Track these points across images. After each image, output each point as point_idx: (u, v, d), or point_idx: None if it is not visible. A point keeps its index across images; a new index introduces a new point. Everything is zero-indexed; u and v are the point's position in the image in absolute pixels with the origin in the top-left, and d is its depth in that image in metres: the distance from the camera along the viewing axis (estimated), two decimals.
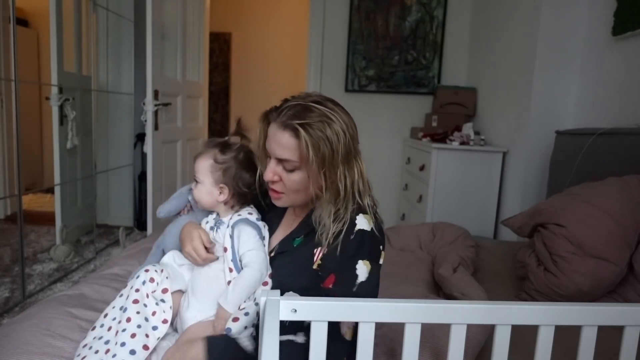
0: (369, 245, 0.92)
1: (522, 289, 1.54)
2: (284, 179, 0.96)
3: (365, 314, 0.72)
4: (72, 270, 2.75)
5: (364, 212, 0.94)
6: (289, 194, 0.99)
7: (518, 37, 2.56)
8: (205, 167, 1.08)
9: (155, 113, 2.63)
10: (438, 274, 1.57)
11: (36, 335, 1.02)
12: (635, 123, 1.76)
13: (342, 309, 0.72)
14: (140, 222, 3.59)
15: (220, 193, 1.07)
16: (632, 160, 1.60)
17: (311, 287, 0.93)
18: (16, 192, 2.28)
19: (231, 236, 1.03)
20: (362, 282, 0.90)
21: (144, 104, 2.61)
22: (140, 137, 3.51)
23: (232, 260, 1.02)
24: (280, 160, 0.95)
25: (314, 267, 0.94)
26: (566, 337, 0.89)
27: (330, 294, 0.89)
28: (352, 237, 0.91)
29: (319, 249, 0.95)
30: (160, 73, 2.68)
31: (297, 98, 0.96)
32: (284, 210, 1.12)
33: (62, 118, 2.74)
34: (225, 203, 1.09)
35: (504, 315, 0.73)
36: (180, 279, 1.08)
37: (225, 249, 1.04)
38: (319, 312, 0.72)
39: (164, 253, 1.19)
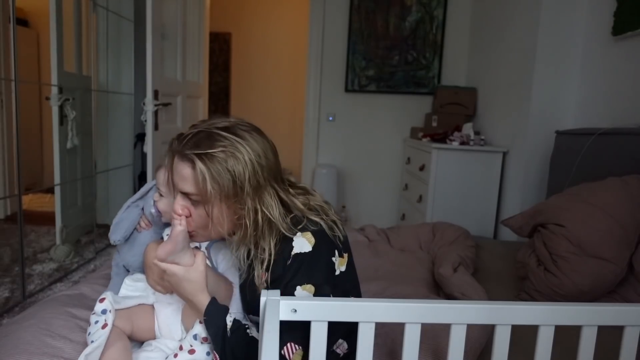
0: (308, 268, 0.85)
1: (522, 289, 1.54)
2: (192, 214, 0.88)
3: (365, 314, 0.72)
4: (72, 270, 2.74)
5: (302, 230, 0.87)
6: (199, 231, 0.91)
7: (518, 37, 2.56)
8: (165, 180, 0.99)
9: (155, 113, 2.63)
10: (438, 274, 1.57)
11: (36, 335, 1.02)
12: (635, 123, 1.76)
13: (342, 309, 0.72)
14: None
15: None
16: (632, 160, 1.60)
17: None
18: (16, 192, 2.28)
19: (208, 258, 0.99)
20: None
21: (144, 104, 2.61)
22: (140, 137, 3.51)
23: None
24: (184, 194, 0.88)
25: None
26: (566, 337, 0.89)
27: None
28: (289, 262, 0.85)
29: (264, 273, 0.89)
30: (160, 73, 2.67)
31: (204, 124, 0.88)
32: None
33: (62, 118, 2.74)
34: None
35: (504, 315, 0.73)
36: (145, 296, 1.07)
37: None
38: (319, 312, 0.72)
39: (127, 270, 1.17)
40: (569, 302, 0.96)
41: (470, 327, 0.75)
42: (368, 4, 3.44)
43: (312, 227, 0.88)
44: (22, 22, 3.70)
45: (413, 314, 0.72)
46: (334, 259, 0.90)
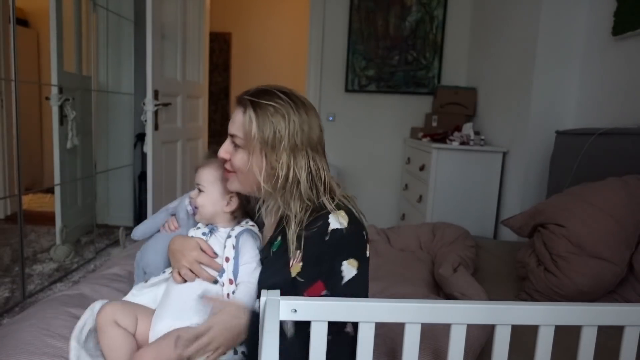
0: (348, 243, 0.90)
1: (522, 289, 1.54)
2: (232, 158, 0.98)
3: (365, 314, 0.72)
4: (72, 270, 2.74)
5: (337, 209, 0.92)
6: (238, 175, 0.99)
7: (518, 37, 2.56)
8: (211, 176, 1.07)
9: (155, 113, 2.63)
10: (438, 274, 1.57)
11: (36, 335, 1.02)
12: (635, 123, 1.76)
13: (342, 309, 0.72)
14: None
15: (227, 203, 1.06)
16: (632, 160, 1.60)
17: (287, 292, 0.90)
18: (16, 192, 2.28)
19: (234, 246, 1.01)
20: (348, 280, 0.88)
21: (144, 104, 2.61)
22: (140, 137, 3.51)
23: (232, 272, 1.00)
24: (231, 137, 0.97)
25: (293, 275, 0.89)
26: (566, 337, 0.89)
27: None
28: (327, 238, 0.89)
29: (296, 252, 0.91)
30: (160, 73, 2.67)
31: (269, 85, 0.98)
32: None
33: (62, 118, 2.74)
34: (231, 213, 1.08)
35: (504, 315, 0.73)
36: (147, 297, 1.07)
37: (227, 259, 1.01)
38: (319, 312, 0.72)
39: (144, 272, 1.17)
40: (569, 302, 0.96)
41: (470, 327, 0.75)
42: (368, 4, 3.44)
43: (344, 207, 0.93)
44: (22, 22, 3.70)
45: (413, 314, 0.72)
46: (365, 240, 0.94)
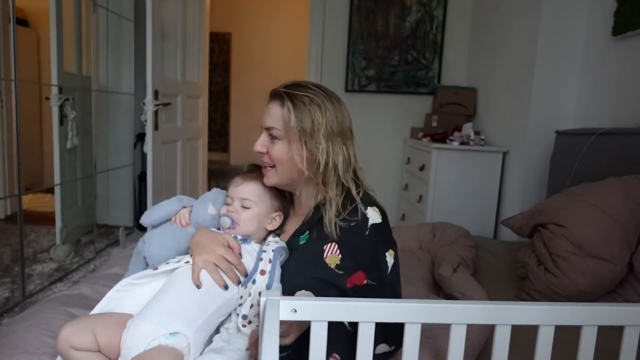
0: (386, 236, 0.99)
1: (522, 289, 1.54)
2: (270, 150, 1.01)
3: (365, 314, 0.72)
4: (72, 270, 2.74)
5: (371, 205, 1.00)
6: (277, 168, 1.01)
7: (518, 37, 2.56)
8: (260, 192, 1.05)
9: (155, 113, 2.63)
10: (438, 274, 1.57)
11: (36, 335, 1.02)
12: (635, 123, 1.76)
13: (342, 309, 0.72)
14: (140, 222, 3.58)
15: (271, 221, 1.06)
16: (632, 160, 1.60)
17: (326, 285, 0.93)
18: (16, 192, 2.28)
19: (271, 260, 0.98)
20: (390, 268, 0.98)
21: (144, 104, 2.61)
22: (140, 137, 3.51)
23: (267, 285, 0.96)
24: (267, 130, 1.01)
25: (332, 266, 0.95)
26: (566, 337, 0.89)
27: (364, 289, 0.95)
28: (367, 232, 0.96)
29: (330, 244, 0.96)
30: (160, 73, 2.68)
31: (300, 80, 1.04)
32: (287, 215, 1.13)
33: (62, 118, 2.74)
34: (269, 231, 1.06)
35: (504, 315, 0.73)
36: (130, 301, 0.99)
37: (262, 272, 0.97)
38: (319, 312, 0.72)
39: (146, 262, 1.11)
40: (569, 302, 0.96)
41: (470, 326, 0.75)
42: (368, 4, 3.44)
43: (375, 203, 1.02)
44: (22, 22, 3.70)
45: (413, 314, 0.72)
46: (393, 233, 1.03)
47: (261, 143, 1.02)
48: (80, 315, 1.14)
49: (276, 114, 0.99)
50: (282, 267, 1.00)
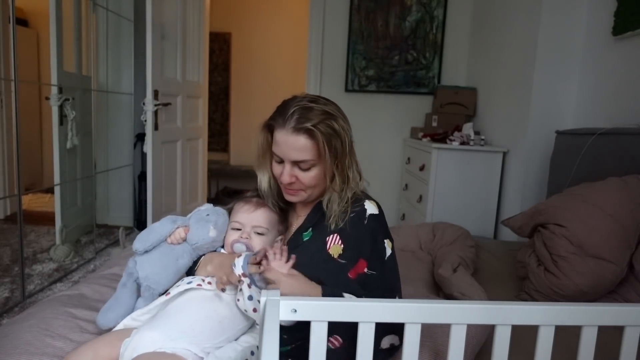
0: (382, 226, 1.03)
1: (522, 289, 1.54)
2: (300, 179, 1.02)
3: (365, 314, 0.72)
4: (72, 270, 2.74)
5: (368, 198, 1.04)
6: (307, 190, 1.04)
7: (518, 37, 2.56)
8: (273, 219, 1.10)
9: (155, 113, 2.63)
10: (438, 274, 1.57)
11: (36, 335, 1.02)
12: (635, 123, 1.76)
13: (342, 309, 0.72)
14: (140, 222, 3.58)
15: (274, 243, 1.09)
16: (632, 160, 1.60)
17: (331, 276, 0.97)
18: (16, 192, 2.28)
19: None
20: (388, 256, 1.01)
21: (144, 104, 2.61)
22: (140, 137, 3.51)
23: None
24: (295, 163, 1.00)
25: (335, 256, 0.99)
26: (566, 337, 0.89)
27: (366, 278, 0.98)
28: (366, 222, 1.00)
29: (332, 235, 1.00)
30: (160, 73, 2.67)
31: (294, 101, 1.01)
32: (286, 213, 1.16)
33: (62, 118, 2.74)
34: None
35: (504, 315, 0.73)
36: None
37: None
38: (319, 312, 0.72)
39: (138, 285, 1.09)
40: (569, 302, 0.96)
41: (469, 326, 0.75)
42: (368, 4, 3.44)
43: (371, 197, 1.06)
44: (22, 22, 3.70)
45: (413, 314, 0.72)
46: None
47: (289, 174, 1.01)
48: (81, 315, 1.14)
49: (306, 147, 0.98)
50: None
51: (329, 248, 1.00)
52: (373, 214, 1.02)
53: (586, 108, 2.20)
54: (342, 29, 3.49)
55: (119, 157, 3.58)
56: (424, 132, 3.08)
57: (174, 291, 1.02)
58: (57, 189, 2.83)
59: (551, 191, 2.06)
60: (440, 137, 2.87)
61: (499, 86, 2.83)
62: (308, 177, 1.01)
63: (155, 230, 1.12)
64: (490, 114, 2.95)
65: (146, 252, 1.11)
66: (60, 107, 2.71)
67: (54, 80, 2.68)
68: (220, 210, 1.15)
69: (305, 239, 1.05)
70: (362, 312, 0.72)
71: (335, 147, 0.98)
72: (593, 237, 1.36)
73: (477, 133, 2.83)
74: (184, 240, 1.11)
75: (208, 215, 1.12)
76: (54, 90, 2.69)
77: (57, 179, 2.79)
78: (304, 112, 0.97)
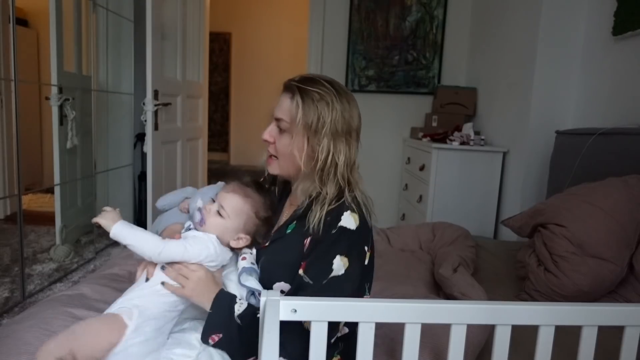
0: (349, 243, 0.93)
1: (522, 289, 1.54)
2: (276, 142, 1.03)
3: (365, 314, 0.72)
4: (72, 270, 2.74)
5: (352, 210, 0.95)
6: (280, 158, 1.04)
7: (518, 37, 2.56)
8: (239, 209, 1.04)
9: (155, 113, 2.62)
10: (438, 274, 1.57)
11: (36, 335, 1.02)
12: (635, 123, 1.76)
13: (342, 309, 0.72)
14: (140, 222, 3.59)
15: (237, 240, 1.04)
16: (632, 160, 1.60)
17: (297, 268, 0.96)
18: (16, 192, 2.28)
19: (240, 282, 1.00)
20: (335, 276, 0.90)
21: (144, 104, 2.61)
22: (140, 137, 3.51)
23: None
24: (277, 121, 1.02)
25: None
26: (566, 337, 0.89)
27: (302, 281, 0.92)
28: (333, 231, 0.93)
29: (309, 238, 0.96)
30: (160, 73, 2.67)
31: (315, 74, 1.04)
32: (283, 203, 1.15)
33: (62, 118, 2.74)
34: (231, 249, 1.05)
35: (504, 315, 0.73)
36: None
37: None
38: (319, 312, 0.72)
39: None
40: (569, 302, 0.96)
41: (469, 326, 0.75)
42: (368, 4, 3.44)
43: (359, 210, 0.97)
44: (22, 22, 3.70)
45: (413, 314, 0.72)
46: (366, 247, 0.97)
47: (269, 132, 1.04)
48: (81, 315, 1.14)
49: (285, 106, 1.00)
50: (271, 254, 1.04)
51: (305, 250, 0.97)
52: (344, 227, 0.93)
53: (586, 108, 2.20)
54: (342, 29, 3.50)
55: (119, 157, 3.58)
56: (424, 132, 3.08)
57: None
58: (57, 189, 2.83)
59: (551, 191, 2.06)
60: (440, 137, 2.87)
61: (499, 86, 2.83)
62: (280, 142, 1.02)
63: (168, 196, 1.29)
64: (490, 114, 2.95)
65: (165, 211, 1.27)
66: (60, 107, 2.71)
67: (54, 80, 2.68)
68: (219, 187, 1.17)
69: (288, 232, 1.03)
70: (362, 312, 0.72)
71: (310, 118, 0.96)
72: (593, 237, 1.36)
73: (477, 133, 2.83)
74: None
75: (206, 189, 1.21)
76: (54, 90, 2.68)
77: (57, 179, 2.79)
78: (306, 78, 1.00)
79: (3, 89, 3.01)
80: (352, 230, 0.93)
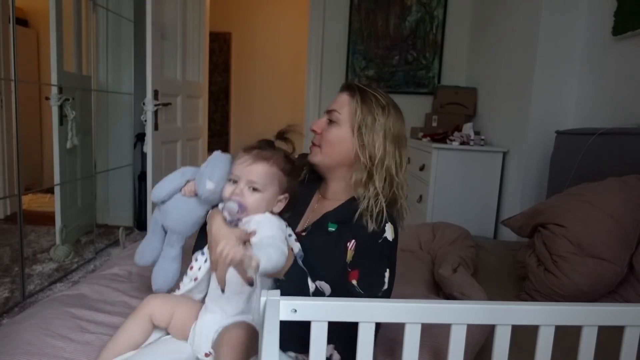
0: (390, 254, 1.01)
1: (522, 289, 1.54)
2: (323, 133, 1.07)
3: (365, 314, 0.72)
4: (72, 270, 2.74)
5: (392, 222, 1.02)
6: (324, 148, 1.07)
7: (518, 37, 2.56)
8: (269, 174, 0.99)
9: (155, 113, 2.62)
10: (438, 274, 1.57)
11: (36, 335, 1.02)
12: (635, 123, 1.76)
13: (342, 309, 0.72)
14: (140, 222, 3.58)
15: (277, 204, 1.02)
16: (632, 160, 1.60)
17: (339, 280, 0.97)
18: (16, 192, 2.28)
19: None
20: (385, 290, 0.98)
21: (144, 104, 2.61)
22: (140, 137, 3.51)
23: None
24: (328, 113, 1.08)
25: (348, 259, 0.99)
26: (566, 337, 0.89)
27: (355, 290, 0.95)
28: (380, 241, 0.99)
29: (352, 241, 0.99)
30: (160, 73, 2.67)
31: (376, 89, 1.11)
32: (312, 192, 1.16)
33: (62, 118, 2.74)
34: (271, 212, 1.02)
35: (504, 315, 0.73)
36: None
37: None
38: (319, 312, 0.71)
39: (165, 231, 1.13)
40: (569, 302, 0.96)
41: (468, 326, 0.75)
42: (368, 4, 3.44)
43: (392, 220, 1.02)
44: (22, 22, 3.70)
45: (413, 314, 0.72)
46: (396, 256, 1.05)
47: (318, 124, 1.09)
48: (81, 315, 1.14)
49: (343, 101, 1.06)
50: (310, 249, 1.02)
51: (347, 253, 1.00)
52: (387, 239, 1.00)
53: (586, 108, 2.20)
54: (342, 29, 3.50)
55: (119, 157, 3.58)
56: (424, 132, 3.08)
57: (200, 274, 1.03)
58: (57, 189, 2.83)
59: (551, 191, 2.06)
60: (440, 137, 2.87)
61: (499, 86, 2.83)
62: (330, 132, 1.06)
63: (165, 183, 1.13)
64: (490, 114, 2.95)
65: (163, 202, 1.13)
66: (60, 107, 2.71)
67: (54, 80, 2.68)
68: (220, 159, 1.08)
69: (330, 229, 1.03)
70: (362, 312, 0.72)
71: (365, 116, 1.02)
72: (593, 237, 1.36)
73: (477, 133, 2.83)
74: (194, 193, 1.10)
75: (206, 166, 1.07)
76: (54, 90, 2.68)
77: (57, 179, 2.79)
78: (369, 86, 1.08)
79: (3, 89, 3.02)
80: (391, 242, 1.01)
